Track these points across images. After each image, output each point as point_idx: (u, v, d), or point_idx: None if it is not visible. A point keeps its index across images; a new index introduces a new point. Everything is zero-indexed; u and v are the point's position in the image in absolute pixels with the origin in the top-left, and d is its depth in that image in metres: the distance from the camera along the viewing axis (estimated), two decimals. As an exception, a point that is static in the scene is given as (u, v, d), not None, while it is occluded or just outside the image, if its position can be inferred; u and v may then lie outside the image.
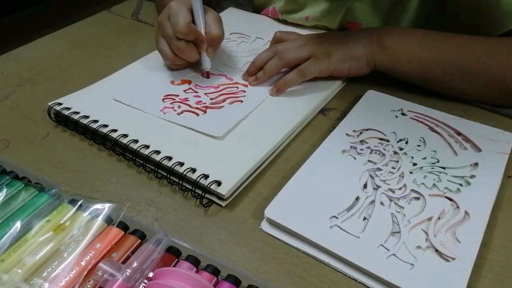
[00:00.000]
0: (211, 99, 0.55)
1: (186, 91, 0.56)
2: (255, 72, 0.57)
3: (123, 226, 0.37)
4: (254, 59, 0.57)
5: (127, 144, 0.47)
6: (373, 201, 0.41)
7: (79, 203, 0.39)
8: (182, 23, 0.52)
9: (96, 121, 0.50)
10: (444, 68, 0.51)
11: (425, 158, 0.45)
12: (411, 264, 0.35)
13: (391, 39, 0.53)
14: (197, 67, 0.61)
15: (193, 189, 0.43)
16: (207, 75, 0.59)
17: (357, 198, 0.41)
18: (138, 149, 0.46)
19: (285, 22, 0.72)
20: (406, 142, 0.47)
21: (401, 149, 0.46)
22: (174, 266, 0.34)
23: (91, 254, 0.34)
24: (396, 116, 0.51)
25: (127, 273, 0.32)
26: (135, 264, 0.33)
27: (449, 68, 0.51)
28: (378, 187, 0.42)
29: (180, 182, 0.43)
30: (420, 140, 0.47)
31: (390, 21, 0.63)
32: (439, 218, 0.39)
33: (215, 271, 0.34)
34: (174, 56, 0.57)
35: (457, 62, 0.51)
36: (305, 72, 0.54)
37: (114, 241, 0.36)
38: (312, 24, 0.69)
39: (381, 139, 0.48)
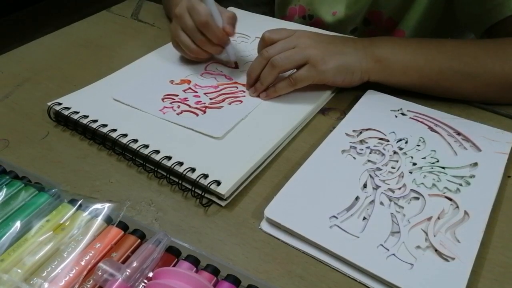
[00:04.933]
0: (210, 99, 0.55)
1: (186, 91, 0.56)
2: (253, 83, 0.55)
3: (123, 226, 0.37)
4: (249, 70, 0.55)
5: (127, 144, 0.47)
6: (372, 201, 0.41)
7: (79, 202, 0.39)
8: (203, 16, 0.53)
9: (95, 121, 0.50)
10: (442, 73, 0.51)
11: (424, 158, 0.45)
12: (411, 264, 0.35)
13: (386, 51, 0.52)
14: (197, 66, 0.61)
15: (193, 189, 0.43)
16: (236, 66, 0.61)
17: (357, 198, 0.41)
18: (137, 149, 0.46)
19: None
20: (406, 142, 0.47)
21: (400, 149, 0.46)
22: (174, 266, 0.34)
23: (91, 254, 0.34)
24: (396, 116, 0.51)
25: (127, 273, 0.32)
26: (135, 264, 0.33)
27: (447, 73, 0.51)
28: (378, 187, 0.42)
29: (180, 182, 0.43)
30: (419, 140, 0.47)
31: (406, 6, 0.66)
32: (438, 218, 0.39)
33: (215, 271, 0.34)
34: (198, 48, 0.57)
35: (455, 65, 0.50)
36: (296, 81, 0.52)
37: (114, 241, 0.36)
38: (336, 19, 0.71)
39: (380, 139, 0.48)
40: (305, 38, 0.53)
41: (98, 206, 0.38)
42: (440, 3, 0.65)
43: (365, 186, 0.42)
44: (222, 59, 0.62)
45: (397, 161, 0.45)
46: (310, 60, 0.51)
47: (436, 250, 0.36)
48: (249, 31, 0.69)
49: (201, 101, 0.54)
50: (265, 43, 0.54)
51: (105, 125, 0.49)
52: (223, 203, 0.42)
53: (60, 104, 0.53)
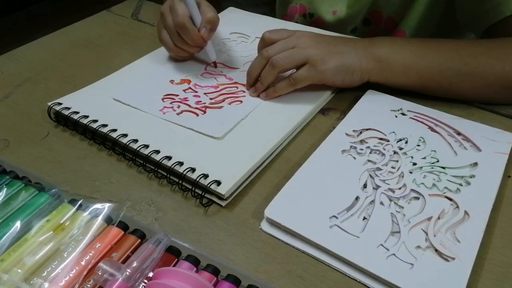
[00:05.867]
0: (210, 99, 0.55)
1: (186, 91, 0.56)
2: (254, 83, 0.55)
3: (123, 226, 0.37)
4: (249, 70, 0.55)
5: (127, 144, 0.47)
6: (373, 201, 0.41)
7: (79, 202, 0.39)
8: (180, 17, 0.53)
9: (95, 121, 0.50)
10: (442, 73, 0.51)
11: (424, 158, 0.45)
12: (411, 264, 0.35)
13: (386, 51, 0.52)
14: (197, 66, 0.61)
15: (193, 188, 0.43)
16: (215, 65, 0.61)
17: (357, 198, 0.41)
18: (138, 149, 0.46)
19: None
20: (406, 142, 0.47)
21: (400, 148, 0.46)
22: (174, 265, 0.34)
23: (91, 254, 0.34)
24: (396, 116, 0.51)
25: (127, 273, 0.32)
26: (135, 264, 0.33)
27: (447, 73, 0.51)
28: (378, 187, 0.42)
29: (180, 181, 0.43)
30: (419, 140, 0.47)
31: (406, 6, 0.67)
32: (438, 218, 0.39)
33: (215, 271, 0.34)
34: (176, 48, 0.57)
35: (455, 65, 0.50)
36: (296, 82, 0.52)
37: (114, 240, 0.36)
38: (337, 18, 0.71)
39: (381, 139, 0.48)
40: (305, 38, 0.53)
41: (98, 206, 0.38)
42: (441, 3, 0.65)
43: (365, 186, 0.42)
44: (202, 57, 0.62)
45: (397, 161, 0.45)
46: (310, 60, 0.51)
47: (436, 250, 0.36)
48: (249, 31, 0.69)
49: (201, 101, 0.54)
50: (264, 43, 0.54)
51: (105, 125, 0.49)
52: (223, 203, 0.42)
53: (60, 104, 0.53)
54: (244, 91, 0.56)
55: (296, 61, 0.51)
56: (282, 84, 0.53)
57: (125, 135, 0.48)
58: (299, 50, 0.51)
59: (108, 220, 0.38)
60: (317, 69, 0.51)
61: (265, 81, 0.53)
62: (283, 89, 0.53)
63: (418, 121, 0.50)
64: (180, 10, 0.53)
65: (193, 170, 0.43)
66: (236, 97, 0.55)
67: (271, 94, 0.54)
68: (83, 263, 0.34)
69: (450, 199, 0.41)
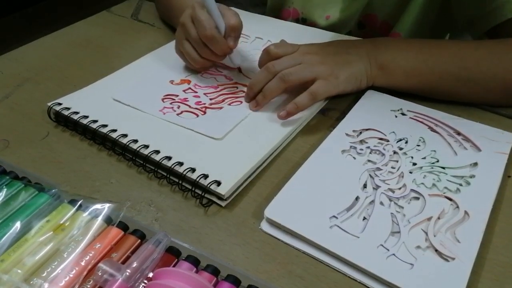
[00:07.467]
0: (210, 99, 0.55)
1: (186, 91, 0.56)
2: (254, 96, 0.53)
3: (123, 226, 0.37)
4: (251, 83, 0.53)
5: (127, 144, 0.47)
6: (372, 201, 0.41)
7: (79, 203, 0.39)
8: (208, 29, 0.51)
9: (95, 121, 0.50)
10: (443, 79, 0.51)
11: (424, 158, 0.45)
12: (411, 264, 0.35)
13: (387, 57, 0.52)
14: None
15: (193, 189, 0.43)
16: (239, 70, 0.60)
17: (357, 198, 0.41)
18: (137, 149, 0.46)
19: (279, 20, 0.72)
20: (406, 142, 0.47)
21: (400, 149, 0.46)
22: (174, 266, 0.34)
23: (91, 254, 0.34)
24: (396, 116, 0.51)
25: (127, 273, 0.32)
26: (135, 264, 0.33)
27: (448, 78, 0.51)
28: (378, 187, 0.42)
29: (180, 182, 0.43)
30: (419, 140, 0.47)
31: (400, 9, 0.66)
32: (438, 218, 0.39)
33: (215, 271, 0.34)
34: (203, 60, 0.56)
35: (456, 71, 0.50)
36: (316, 95, 0.50)
37: (114, 241, 0.36)
38: (330, 23, 0.71)
39: (380, 139, 0.48)
40: (311, 55, 0.52)
41: (98, 206, 0.38)
42: (435, 5, 0.64)
43: (365, 186, 0.42)
44: (225, 63, 0.61)
45: (397, 161, 0.45)
46: (320, 76, 0.50)
47: (436, 250, 0.36)
48: (249, 31, 0.69)
49: (201, 102, 0.54)
50: (270, 57, 0.52)
51: (105, 125, 0.49)
52: (223, 203, 0.42)
53: (60, 104, 0.53)
54: (244, 91, 0.56)
55: (306, 78, 0.51)
56: (304, 100, 0.50)
57: (125, 135, 0.48)
58: (308, 66, 0.51)
59: (108, 221, 0.38)
60: (332, 83, 0.51)
61: (270, 94, 0.52)
62: (305, 105, 0.51)
63: (418, 121, 0.50)
64: (205, 21, 0.51)
65: (193, 170, 0.43)
66: (236, 97, 0.55)
67: (293, 111, 0.50)
68: (83, 263, 0.34)
69: (450, 199, 0.41)
